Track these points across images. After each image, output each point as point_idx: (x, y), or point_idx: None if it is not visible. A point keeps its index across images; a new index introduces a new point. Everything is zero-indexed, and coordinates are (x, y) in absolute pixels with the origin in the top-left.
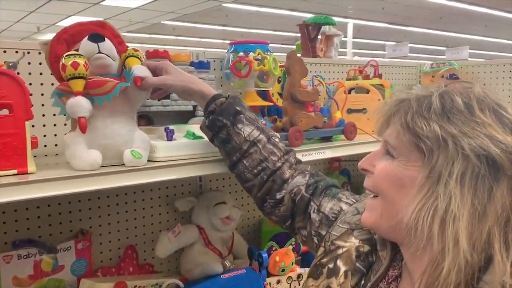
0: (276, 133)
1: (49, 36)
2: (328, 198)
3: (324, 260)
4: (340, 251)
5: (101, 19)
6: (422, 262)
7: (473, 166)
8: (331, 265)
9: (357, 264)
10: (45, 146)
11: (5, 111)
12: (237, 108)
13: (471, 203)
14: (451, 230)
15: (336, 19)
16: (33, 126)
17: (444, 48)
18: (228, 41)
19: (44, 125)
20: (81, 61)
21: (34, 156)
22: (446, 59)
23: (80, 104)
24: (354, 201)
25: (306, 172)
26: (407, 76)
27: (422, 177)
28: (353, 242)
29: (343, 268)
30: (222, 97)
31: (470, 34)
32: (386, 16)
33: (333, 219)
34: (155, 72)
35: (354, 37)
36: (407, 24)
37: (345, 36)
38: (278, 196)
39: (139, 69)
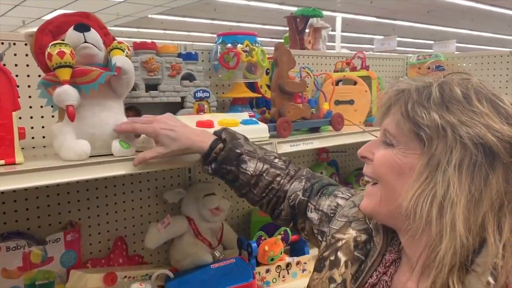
0: (272, 152)
1: (35, 30)
2: (325, 197)
3: (326, 253)
4: (340, 244)
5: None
6: (420, 246)
7: (471, 154)
8: (332, 258)
9: (356, 253)
10: (33, 138)
11: None
12: (237, 151)
13: (468, 190)
14: (448, 215)
15: (324, 13)
16: (20, 118)
17: (432, 42)
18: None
19: (31, 117)
20: (67, 50)
21: (22, 148)
22: (432, 52)
23: (68, 93)
24: (350, 195)
25: (302, 177)
26: (394, 68)
27: (421, 165)
28: (351, 233)
29: (343, 259)
30: (218, 143)
31: (457, 28)
32: (374, 10)
33: (331, 215)
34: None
35: (342, 31)
36: (395, 18)
37: (334, 30)
38: (282, 206)
39: (120, 60)
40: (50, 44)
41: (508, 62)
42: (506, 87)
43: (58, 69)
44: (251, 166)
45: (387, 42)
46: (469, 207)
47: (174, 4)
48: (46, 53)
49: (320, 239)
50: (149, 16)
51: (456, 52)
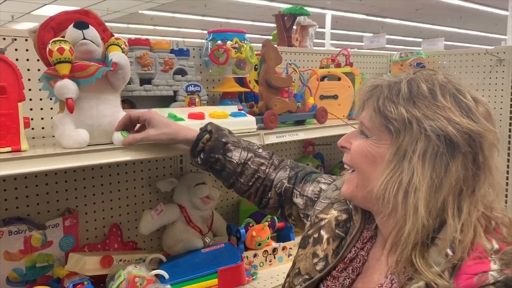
0: (256, 143)
1: (24, 25)
2: (309, 183)
3: (310, 231)
4: (322, 223)
5: (78, 8)
6: (389, 226)
7: (433, 145)
8: (315, 235)
9: (337, 231)
10: (33, 129)
11: None
12: (223, 140)
13: (429, 177)
14: (412, 199)
15: (314, 10)
16: None
17: (420, 40)
18: (206, 31)
19: (31, 109)
20: (66, 46)
21: None
22: (414, 50)
23: (67, 86)
24: (332, 180)
25: (287, 167)
26: (378, 65)
27: (390, 154)
28: (333, 213)
29: (325, 236)
30: (205, 134)
31: (445, 26)
32: (363, 7)
33: (315, 199)
34: (138, 120)
35: (332, 28)
36: (384, 15)
37: (324, 27)
38: (269, 194)
39: (116, 56)
40: (50, 41)
41: (485, 60)
42: (484, 84)
43: (58, 64)
44: (236, 155)
45: (376, 39)
46: (430, 192)
47: (164, 0)
48: (47, 49)
49: (306, 222)
50: (139, 12)
51: (437, 50)
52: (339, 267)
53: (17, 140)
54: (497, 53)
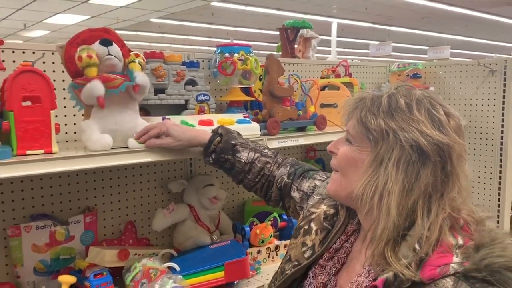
0: (261, 144)
1: (36, 33)
2: (306, 179)
3: (302, 223)
4: (313, 216)
5: (88, 16)
6: (368, 222)
7: (407, 154)
8: (306, 227)
9: (324, 224)
10: (57, 134)
11: (34, 102)
12: (232, 142)
13: (402, 182)
14: (385, 201)
15: (320, 18)
16: None
17: (427, 48)
18: (214, 39)
19: (56, 116)
20: (93, 53)
21: None
22: (411, 61)
23: (97, 86)
24: (326, 177)
25: (288, 164)
26: (377, 75)
27: (369, 160)
28: (323, 208)
29: (314, 228)
30: (216, 137)
31: (451, 34)
32: (369, 16)
33: (310, 194)
34: (158, 136)
35: (338, 36)
36: (390, 24)
37: (330, 35)
38: (272, 189)
39: (140, 78)
40: (79, 48)
41: (478, 70)
42: (477, 93)
43: (87, 68)
44: (244, 155)
45: (382, 47)
46: (402, 196)
47: (174, 10)
48: (76, 56)
49: (301, 214)
50: (148, 20)
51: (451, 58)
52: (325, 256)
53: (49, 143)
54: (490, 64)
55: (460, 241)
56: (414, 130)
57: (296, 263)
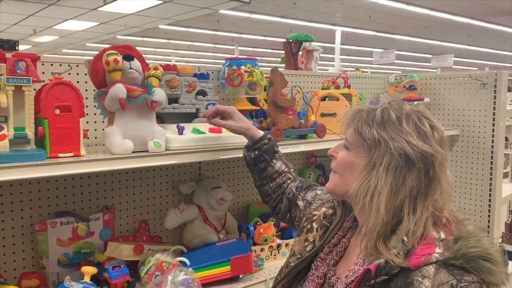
0: (291, 164)
1: (44, 38)
2: (309, 191)
3: (305, 224)
4: (315, 217)
5: (97, 23)
6: (362, 218)
7: (396, 160)
8: (308, 226)
9: (324, 222)
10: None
11: (66, 111)
12: (276, 149)
13: (390, 184)
14: (375, 201)
15: (324, 26)
16: None
17: (430, 56)
18: (219, 45)
19: (87, 122)
20: (120, 58)
21: None
22: (408, 73)
23: (120, 89)
24: (324, 188)
25: (297, 180)
26: (376, 86)
27: (363, 165)
28: (323, 210)
29: (315, 226)
30: (265, 139)
31: (454, 43)
32: (372, 24)
33: (312, 202)
34: (223, 113)
35: (342, 44)
36: (393, 32)
37: (333, 43)
38: (282, 200)
39: (158, 94)
40: (106, 53)
41: (470, 83)
42: (469, 104)
43: (113, 72)
44: (278, 164)
45: (386, 55)
46: (390, 196)
47: (181, 17)
48: (104, 60)
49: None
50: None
51: (454, 66)
52: (325, 250)
53: (78, 147)
54: (481, 78)
55: (443, 235)
56: (402, 140)
57: (299, 256)
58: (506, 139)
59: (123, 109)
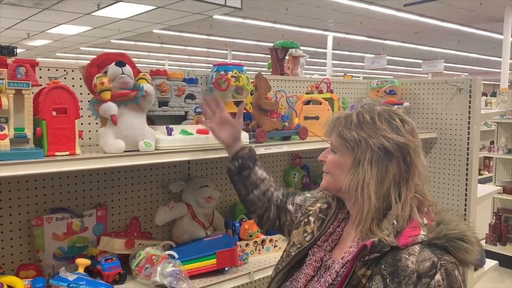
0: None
1: (38, 42)
2: (297, 195)
3: (301, 218)
4: (311, 212)
5: (91, 27)
6: (355, 209)
7: (377, 154)
8: (305, 220)
9: (320, 215)
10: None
11: (62, 113)
12: (256, 157)
13: (376, 175)
14: (366, 192)
15: (316, 31)
16: None
17: (421, 61)
18: (212, 50)
19: (81, 124)
20: (105, 79)
21: None
22: (389, 78)
23: (111, 107)
24: (313, 191)
25: (281, 189)
26: (359, 91)
27: (350, 163)
28: (318, 205)
29: (312, 219)
30: (246, 148)
31: (444, 49)
32: (364, 30)
33: (302, 204)
34: (226, 119)
35: (334, 49)
36: (384, 37)
37: (325, 48)
38: (270, 209)
39: (147, 86)
40: (95, 77)
41: (447, 88)
42: (446, 108)
43: (102, 92)
44: (259, 171)
45: (377, 60)
46: (377, 185)
47: (174, 22)
48: (93, 83)
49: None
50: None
51: (444, 72)
52: (322, 239)
53: (73, 146)
54: (457, 83)
55: (425, 221)
56: (379, 136)
57: (300, 246)
58: (491, 143)
59: (115, 124)
